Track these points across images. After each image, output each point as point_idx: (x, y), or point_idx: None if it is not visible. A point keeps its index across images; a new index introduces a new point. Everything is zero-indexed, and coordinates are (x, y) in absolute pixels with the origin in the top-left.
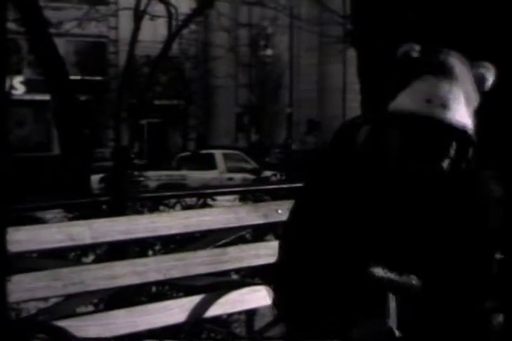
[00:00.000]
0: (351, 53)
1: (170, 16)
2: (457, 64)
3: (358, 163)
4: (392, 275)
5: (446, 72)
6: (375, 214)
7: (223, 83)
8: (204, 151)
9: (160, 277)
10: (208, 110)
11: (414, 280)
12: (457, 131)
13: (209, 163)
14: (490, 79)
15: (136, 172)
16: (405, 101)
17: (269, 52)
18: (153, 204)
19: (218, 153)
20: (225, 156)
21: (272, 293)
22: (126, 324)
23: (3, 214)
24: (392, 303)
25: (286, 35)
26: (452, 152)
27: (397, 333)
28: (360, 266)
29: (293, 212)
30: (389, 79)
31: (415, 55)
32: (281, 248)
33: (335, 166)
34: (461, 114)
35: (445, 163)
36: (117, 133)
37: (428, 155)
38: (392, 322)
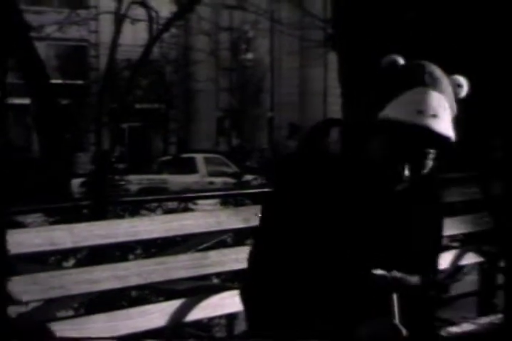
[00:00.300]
0: (332, 57)
1: (151, 20)
2: (441, 75)
3: (333, 166)
4: (396, 274)
5: (433, 83)
6: (355, 216)
7: (204, 87)
8: (185, 155)
9: (141, 281)
10: (188, 114)
11: (415, 278)
12: (445, 140)
13: (190, 167)
14: (465, 87)
15: (117, 177)
16: (395, 110)
17: (250, 56)
18: (134, 208)
19: (199, 157)
20: (206, 160)
21: (248, 301)
22: (106, 328)
23: (3, 215)
24: (396, 302)
25: (267, 39)
26: (434, 159)
27: (404, 331)
28: (360, 268)
29: (266, 218)
30: (374, 89)
31: (400, 66)
32: (255, 254)
33: (308, 169)
34: (448, 123)
35: (426, 169)
36: (98, 137)
37: (415, 161)
38: (397, 320)
